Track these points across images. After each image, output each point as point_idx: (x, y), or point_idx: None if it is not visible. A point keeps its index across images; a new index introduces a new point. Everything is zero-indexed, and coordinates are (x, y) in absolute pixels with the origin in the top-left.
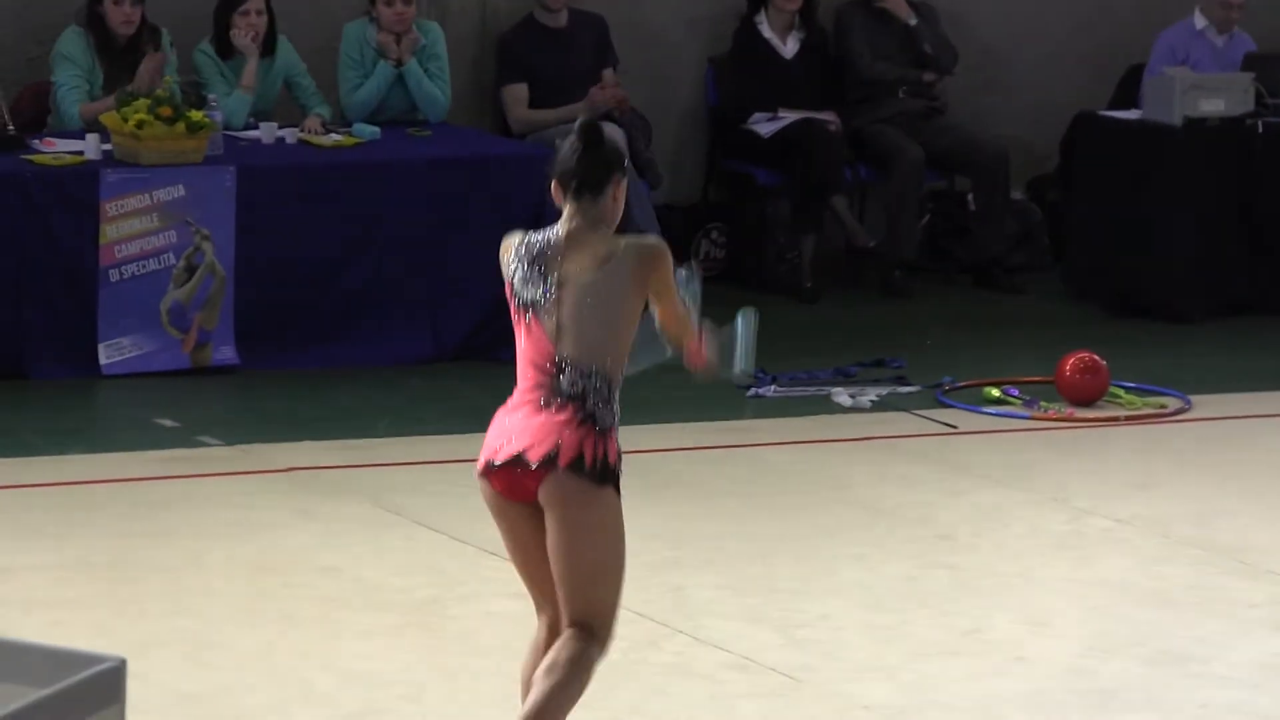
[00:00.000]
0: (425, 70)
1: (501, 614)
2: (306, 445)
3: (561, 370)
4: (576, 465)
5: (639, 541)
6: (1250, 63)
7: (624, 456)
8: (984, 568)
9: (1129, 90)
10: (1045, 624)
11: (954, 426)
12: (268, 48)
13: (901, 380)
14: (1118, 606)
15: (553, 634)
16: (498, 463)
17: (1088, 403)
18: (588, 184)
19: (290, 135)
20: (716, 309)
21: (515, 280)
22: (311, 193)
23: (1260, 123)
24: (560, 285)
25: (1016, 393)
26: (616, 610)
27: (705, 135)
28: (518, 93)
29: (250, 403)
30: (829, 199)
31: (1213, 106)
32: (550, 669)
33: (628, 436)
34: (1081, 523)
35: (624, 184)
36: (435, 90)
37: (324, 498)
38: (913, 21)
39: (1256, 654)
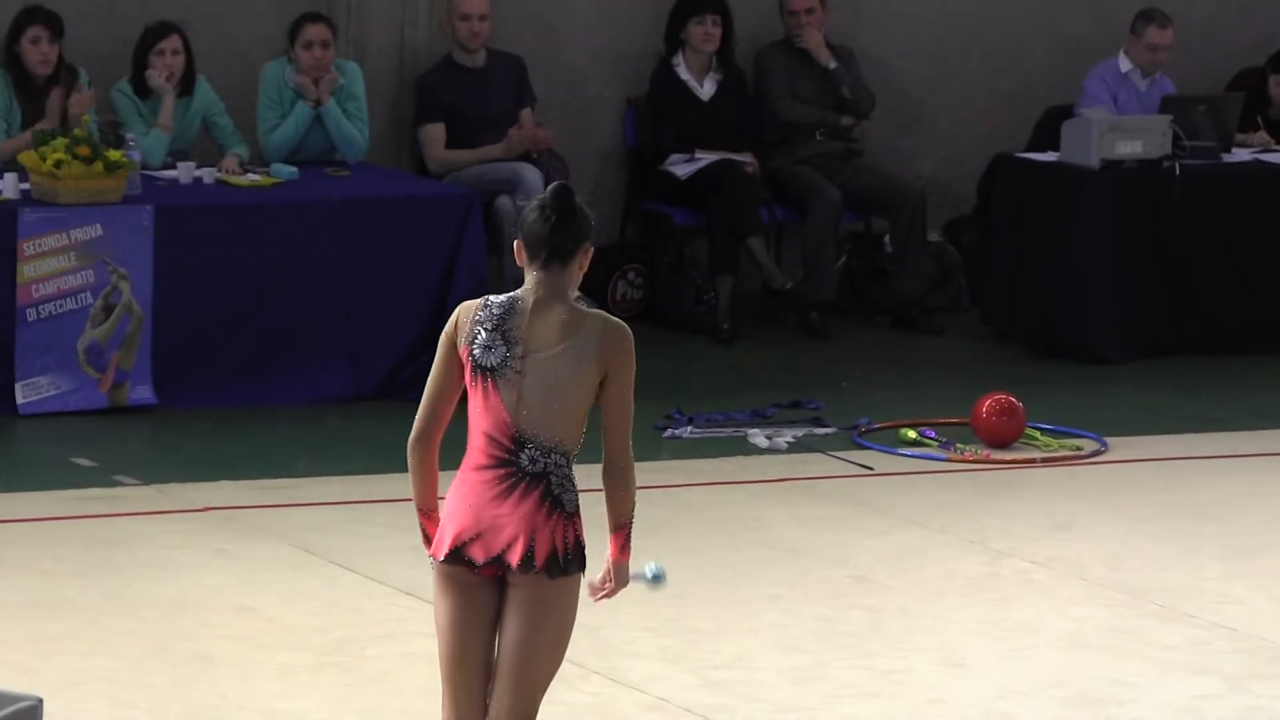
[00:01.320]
0: (344, 110)
1: (419, 654)
2: (224, 485)
3: (522, 447)
4: (551, 563)
5: None
6: (1168, 105)
7: None
8: (901, 609)
9: (1046, 133)
10: (962, 665)
11: (870, 468)
12: (186, 87)
13: (818, 421)
14: (1034, 648)
15: None
16: (479, 563)
17: (1004, 445)
18: (559, 254)
19: (208, 175)
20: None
21: (475, 345)
22: (229, 232)
23: (1177, 165)
24: (524, 356)
25: (933, 434)
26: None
27: (623, 176)
28: (435, 133)
29: (168, 442)
30: (746, 240)
31: (1130, 149)
32: None
33: None
34: (998, 564)
35: (590, 252)
36: (353, 130)
37: (241, 538)
38: (832, 65)
39: (1173, 696)
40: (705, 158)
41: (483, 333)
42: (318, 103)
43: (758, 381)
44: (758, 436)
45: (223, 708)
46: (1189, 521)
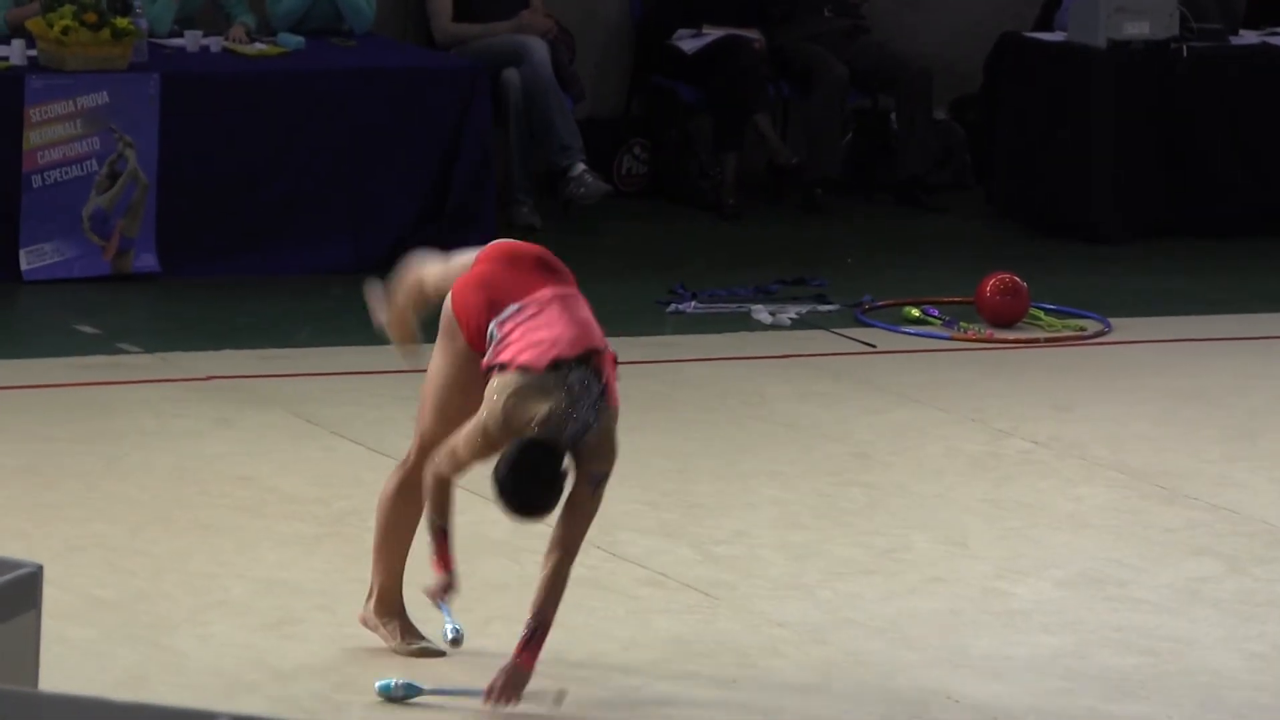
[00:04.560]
0: None
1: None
2: (226, 354)
3: None
4: None
5: None
6: None
7: None
8: (901, 487)
9: (1053, 12)
10: (961, 544)
11: (873, 345)
12: None
13: (822, 299)
14: (1034, 528)
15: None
16: None
17: (1007, 324)
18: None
19: (215, 44)
20: (641, 222)
21: None
22: (235, 102)
23: (1184, 47)
24: None
25: (936, 313)
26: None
27: (629, 50)
28: (442, 4)
29: (171, 310)
30: (752, 116)
31: (1137, 29)
32: None
33: None
34: (999, 444)
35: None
36: (360, 1)
37: (243, 407)
38: None
39: (1172, 578)
40: (712, 33)
41: None
42: None
43: (762, 258)
44: (761, 313)
45: (222, 576)
46: (1190, 404)
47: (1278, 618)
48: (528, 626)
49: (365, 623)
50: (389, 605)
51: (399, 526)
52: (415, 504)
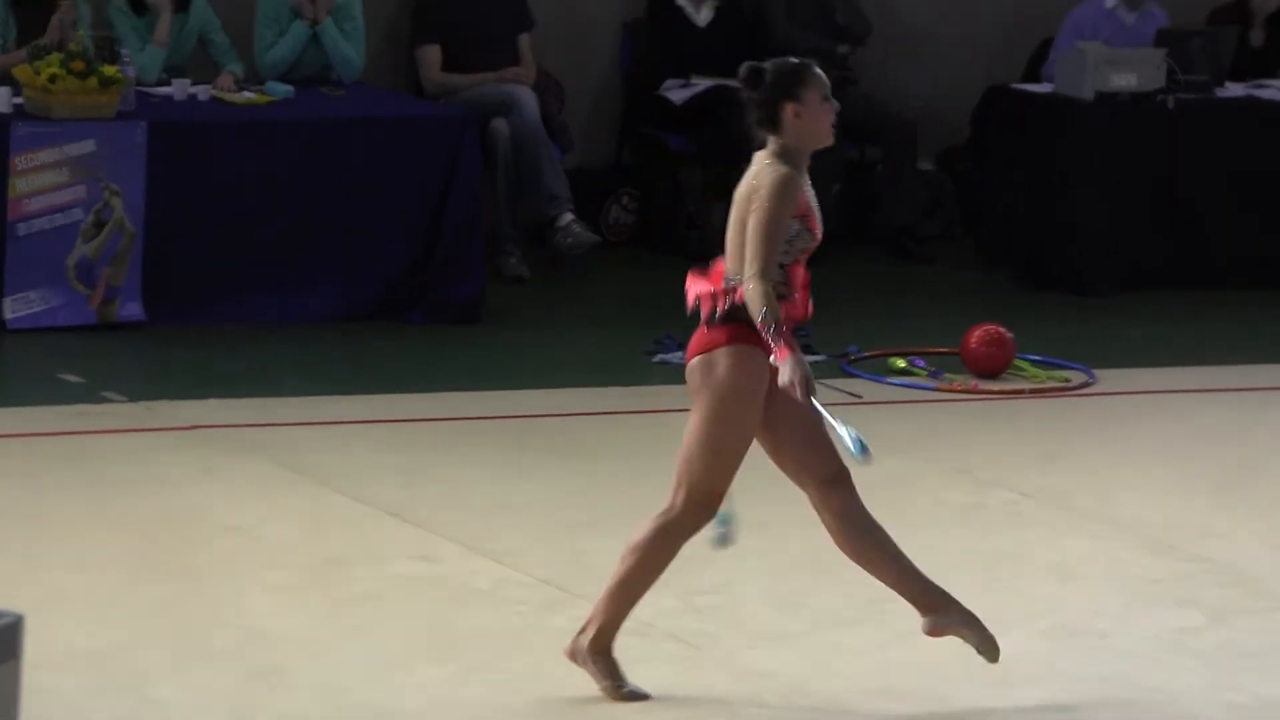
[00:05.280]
0: (340, 30)
1: (405, 575)
2: (212, 403)
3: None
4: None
5: (544, 504)
6: (1163, 38)
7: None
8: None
9: (1040, 64)
10: None
11: (859, 396)
12: (182, 3)
13: (807, 349)
14: (1019, 579)
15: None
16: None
17: (992, 375)
18: (761, 121)
19: (203, 92)
20: (629, 272)
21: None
22: (223, 150)
23: (1171, 98)
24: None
25: (922, 364)
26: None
27: (619, 100)
28: (432, 54)
29: (156, 359)
30: (740, 165)
31: (1124, 81)
32: None
33: (531, 399)
34: (984, 495)
35: (804, 104)
36: (350, 50)
37: (228, 455)
38: None
39: (1156, 628)
40: (701, 83)
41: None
42: (315, 21)
43: None
44: None
45: (206, 626)
46: (1176, 455)
47: (1260, 669)
48: (764, 330)
49: (574, 656)
50: (602, 644)
51: (647, 572)
52: (668, 553)
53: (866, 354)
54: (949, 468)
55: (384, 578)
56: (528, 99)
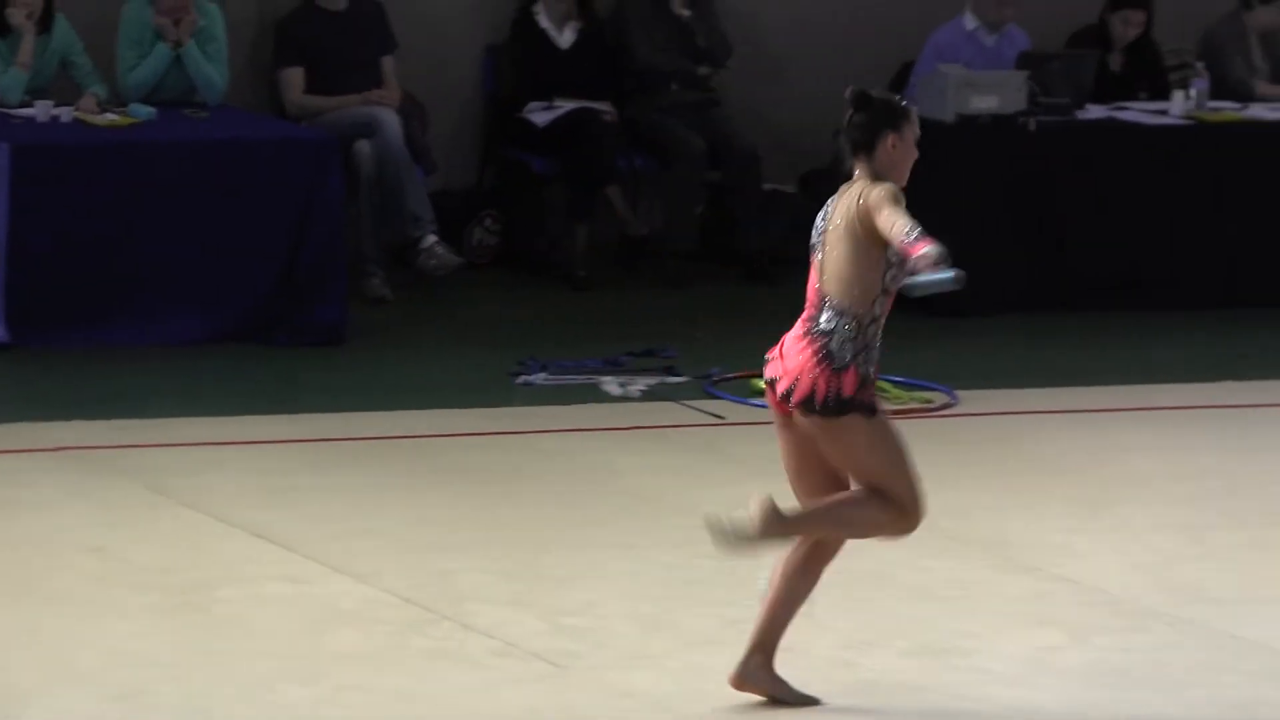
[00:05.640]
0: (203, 52)
1: (270, 596)
2: (76, 424)
3: (823, 309)
4: (806, 404)
5: (408, 525)
6: (1024, 61)
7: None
8: (749, 558)
9: (902, 87)
10: (809, 615)
11: (722, 417)
12: (45, 25)
13: (671, 370)
14: (881, 599)
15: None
16: (765, 379)
17: None
18: (859, 145)
19: (66, 113)
20: (492, 293)
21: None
22: (86, 172)
23: (1032, 121)
24: (824, 232)
25: None
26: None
27: (482, 123)
28: (294, 77)
29: (20, 381)
30: (603, 188)
31: (985, 104)
32: None
33: (395, 421)
34: None
35: (902, 136)
36: (212, 72)
37: (93, 477)
38: (685, 13)
39: (1016, 648)
40: (564, 105)
41: (819, 216)
42: (178, 44)
43: (612, 329)
44: (610, 384)
45: (70, 648)
46: (1036, 475)
47: (1120, 687)
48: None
49: (751, 682)
50: (771, 662)
51: (805, 591)
52: (817, 575)
53: (729, 375)
54: None
55: (249, 598)
56: (391, 121)
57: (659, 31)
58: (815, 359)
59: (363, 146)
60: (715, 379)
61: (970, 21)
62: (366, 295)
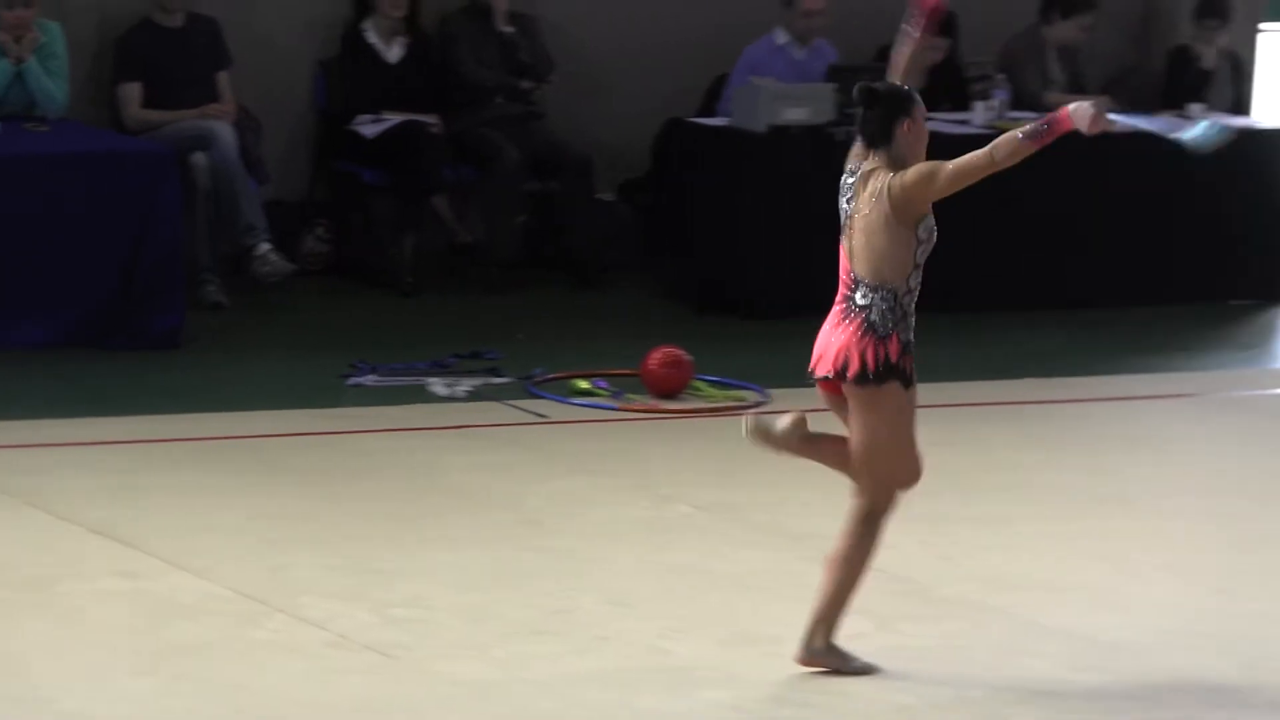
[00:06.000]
0: (44, 67)
1: (110, 592)
2: None
3: (856, 287)
4: (861, 376)
5: (244, 522)
6: (833, 74)
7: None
8: (570, 551)
9: (717, 99)
10: (627, 605)
11: (544, 416)
12: None
13: (495, 372)
14: (696, 590)
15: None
16: (817, 378)
17: (671, 395)
18: (874, 138)
19: None
20: (324, 300)
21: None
22: None
23: (841, 131)
24: (852, 215)
25: (605, 385)
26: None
27: (313, 135)
28: (132, 91)
29: None
30: (430, 198)
31: (796, 115)
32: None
33: (231, 422)
34: (663, 509)
35: (915, 121)
36: (53, 87)
37: None
38: (509, 30)
39: None
40: (391, 118)
41: (840, 196)
42: (19, 59)
43: (439, 333)
44: (437, 385)
45: None
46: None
47: (926, 672)
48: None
49: (819, 659)
50: (832, 637)
51: (863, 568)
52: (870, 552)
53: (551, 376)
54: (630, 483)
55: (89, 593)
56: (226, 134)
57: (484, 47)
58: (859, 333)
59: (199, 159)
60: (537, 379)
61: (781, 36)
62: (203, 302)
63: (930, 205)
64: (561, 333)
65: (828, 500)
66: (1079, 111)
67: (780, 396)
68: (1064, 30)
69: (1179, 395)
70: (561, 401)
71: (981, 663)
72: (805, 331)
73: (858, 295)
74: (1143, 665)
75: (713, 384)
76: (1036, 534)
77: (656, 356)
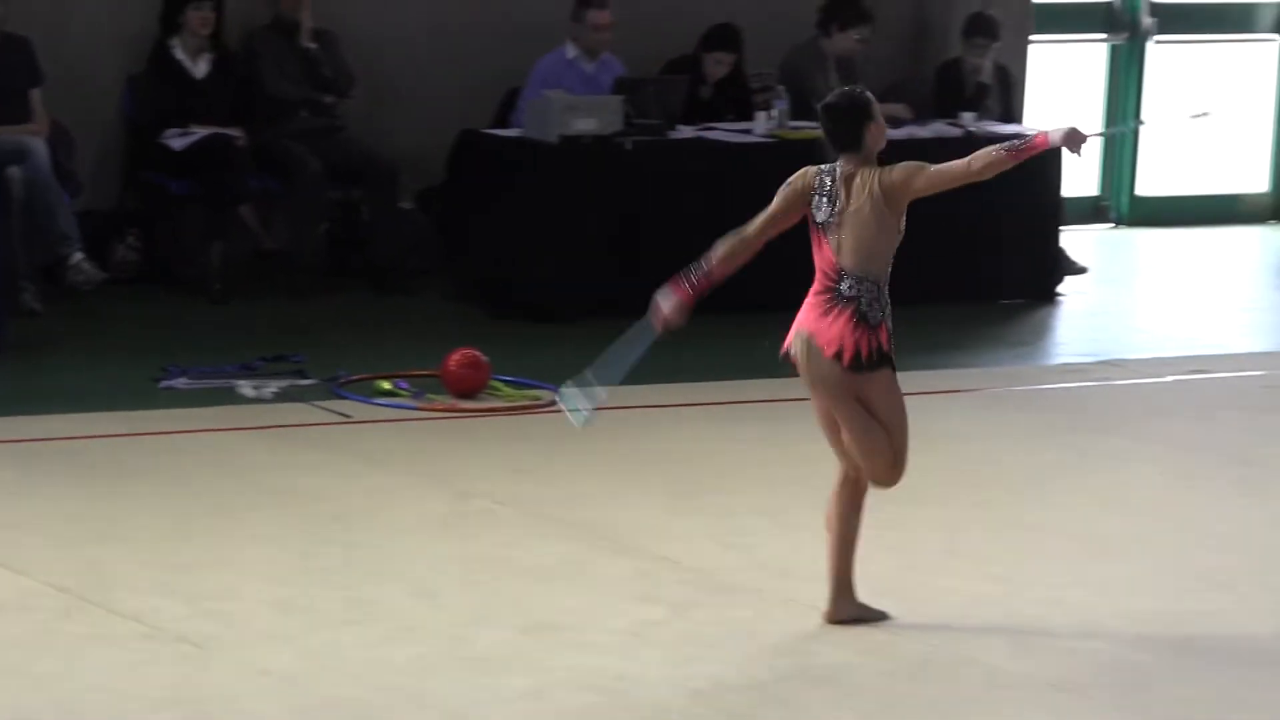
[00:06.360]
0: None
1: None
2: None
3: (841, 278)
4: (856, 363)
5: (57, 519)
6: (620, 86)
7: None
8: (375, 545)
9: (510, 111)
10: (430, 596)
11: (348, 416)
12: None
13: (301, 374)
14: (497, 580)
15: (848, 478)
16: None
17: (470, 395)
18: (845, 144)
19: None
20: (136, 306)
21: (814, 208)
22: None
23: (628, 140)
24: (840, 212)
25: (406, 385)
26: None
27: (124, 148)
28: None
29: None
30: (236, 207)
31: (586, 125)
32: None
33: (52, 424)
34: (464, 504)
35: (874, 125)
36: None
37: None
38: (312, 46)
39: (622, 623)
40: (199, 132)
41: (817, 196)
42: None
43: (246, 337)
44: (245, 387)
45: None
46: (637, 465)
47: (715, 657)
48: (1016, 153)
49: (843, 615)
50: (851, 593)
51: (856, 525)
52: (859, 511)
53: (355, 377)
54: (432, 480)
55: None
56: (39, 149)
57: (287, 63)
58: (853, 322)
59: (14, 172)
60: (342, 381)
61: (571, 50)
62: (19, 309)
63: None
64: (364, 336)
65: (619, 493)
66: (1056, 133)
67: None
68: (842, 42)
69: (955, 390)
70: (365, 402)
71: (771, 648)
72: (599, 333)
73: (843, 286)
74: (926, 649)
75: (509, 384)
76: (818, 524)
77: (455, 358)
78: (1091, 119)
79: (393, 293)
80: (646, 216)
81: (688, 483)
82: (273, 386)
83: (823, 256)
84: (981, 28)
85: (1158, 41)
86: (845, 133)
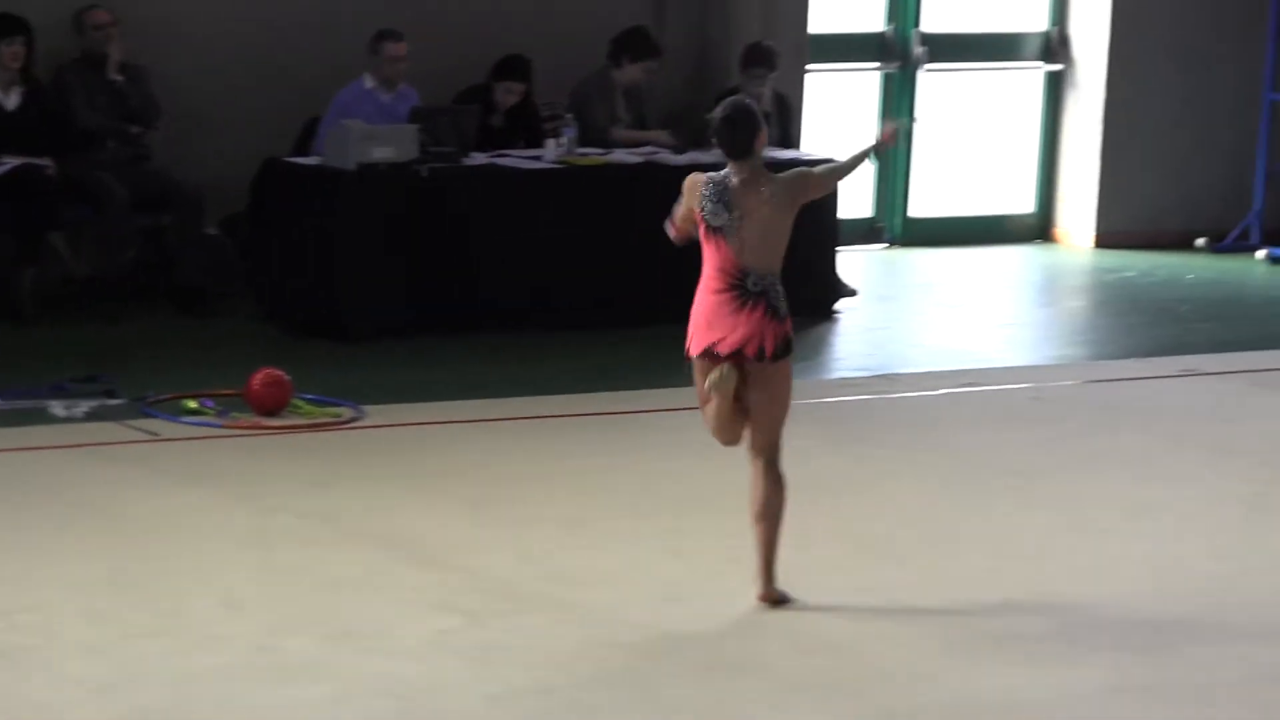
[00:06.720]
0: None
1: None
2: None
3: (746, 276)
4: (777, 352)
5: None
6: (415, 115)
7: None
8: (183, 558)
9: (311, 140)
10: (237, 607)
11: (156, 434)
12: None
13: (111, 393)
14: (301, 591)
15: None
16: (721, 354)
17: (273, 413)
18: (740, 151)
19: None
20: None
21: (704, 211)
22: None
23: (425, 167)
24: (741, 216)
25: (212, 404)
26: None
27: None
28: None
29: None
30: (47, 235)
31: (383, 153)
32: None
33: None
34: (268, 518)
35: (763, 129)
36: None
37: None
38: (119, 79)
39: (421, 631)
40: (9, 162)
41: (709, 203)
42: None
43: (57, 360)
44: (56, 407)
45: None
46: (434, 479)
47: (511, 663)
48: (864, 156)
49: (773, 594)
50: (774, 579)
51: (778, 522)
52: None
53: (162, 397)
54: (237, 495)
55: None
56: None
57: (96, 95)
58: (766, 316)
59: None
60: (150, 400)
61: (369, 81)
62: None
63: None
64: (172, 357)
65: (419, 506)
66: (885, 132)
67: (374, 412)
68: (631, 73)
69: None
70: (172, 420)
71: (564, 653)
72: (395, 352)
73: (749, 283)
74: (713, 653)
75: (310, 401)
76: (609, 533)
77: (259, 377)
78: (867, 142)
79: (199, 315)
80: (441, 241)
81: (487, 494)
82: (83, 406)
83: (722, 256)
84: (760, 58)
85: (928, 70)
86: (742, 141)
